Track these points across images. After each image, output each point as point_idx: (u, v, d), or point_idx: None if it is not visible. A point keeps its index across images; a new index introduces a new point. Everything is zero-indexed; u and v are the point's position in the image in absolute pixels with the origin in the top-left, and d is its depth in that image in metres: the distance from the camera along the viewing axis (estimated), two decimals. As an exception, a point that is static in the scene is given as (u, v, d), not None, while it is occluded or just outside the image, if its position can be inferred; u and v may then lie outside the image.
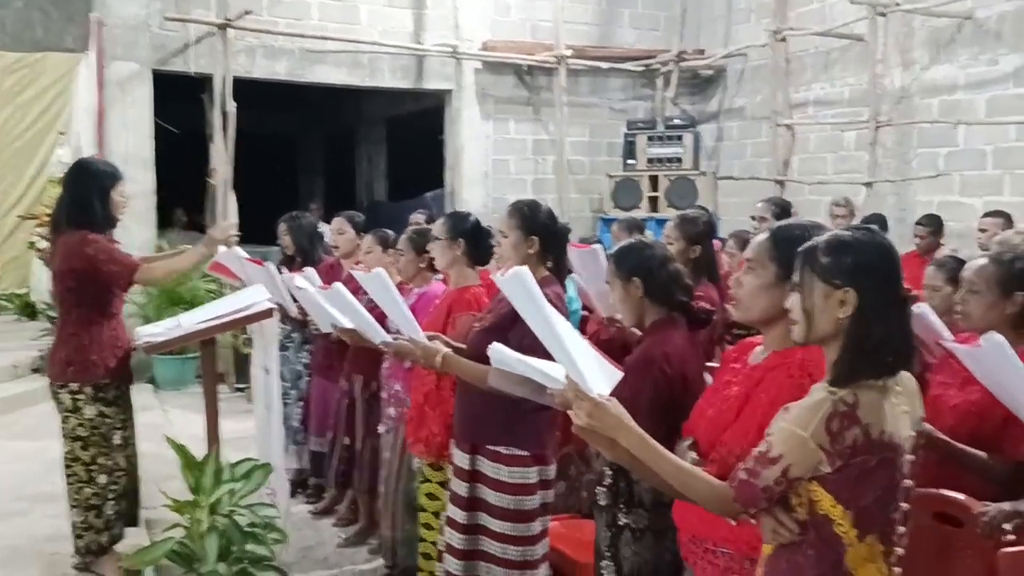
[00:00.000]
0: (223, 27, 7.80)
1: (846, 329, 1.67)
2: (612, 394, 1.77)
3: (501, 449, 2.83)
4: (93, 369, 3.46)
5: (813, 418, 1.62)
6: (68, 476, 3.53)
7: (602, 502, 2.35)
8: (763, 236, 2.01)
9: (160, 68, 7.99)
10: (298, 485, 4.88)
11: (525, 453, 2.82)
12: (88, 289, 3.46)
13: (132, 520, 4.09)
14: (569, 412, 1.78)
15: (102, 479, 3.52)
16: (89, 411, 3.44)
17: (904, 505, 1.70)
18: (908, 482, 1.70)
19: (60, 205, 3.62)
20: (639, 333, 2.62)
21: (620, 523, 2.32)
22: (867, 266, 1.68)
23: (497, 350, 1.93)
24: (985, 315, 2.59)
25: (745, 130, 9.35)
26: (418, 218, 6.80)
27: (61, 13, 9.30)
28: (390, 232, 4.26)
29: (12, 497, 4.70)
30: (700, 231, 3.82)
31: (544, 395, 2.08)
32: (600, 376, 1.74)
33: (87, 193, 3.49)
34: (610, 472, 2.30)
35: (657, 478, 1.81)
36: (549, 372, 2.01)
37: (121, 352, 3.54)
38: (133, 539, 3.92)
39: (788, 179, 8.24)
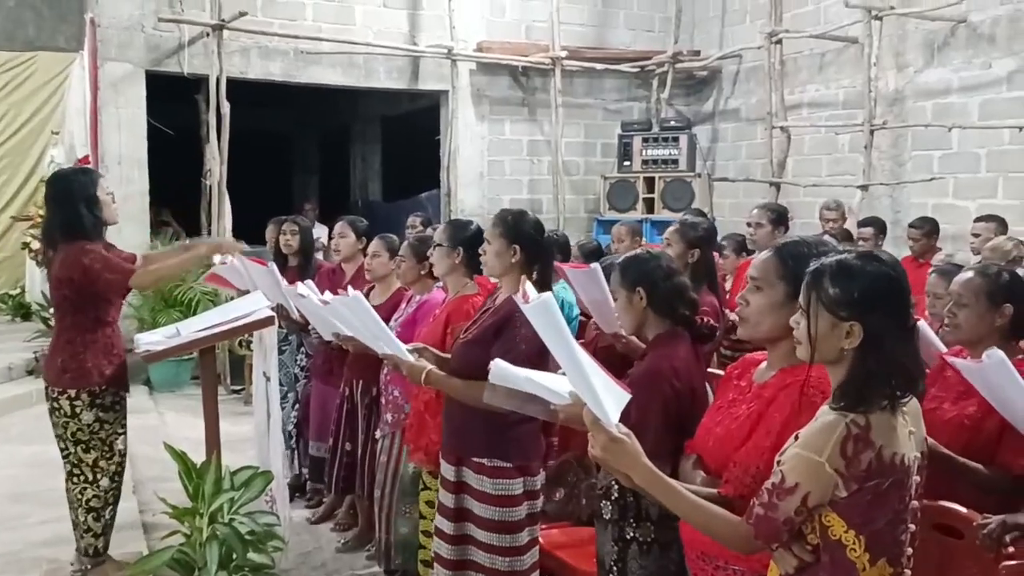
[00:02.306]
0: (218, 28, 7.77)
1: (853, 358, 1.66)
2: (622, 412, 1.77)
3: (485, 461, 2.84)
4: (88, 376, 3.47)
5: (827, 442, 1.60)
6: (73, 478, 3.55)
7: (608, 516, 2.35)
8: (768, 254, 2.01)
9: (154, 69, 7.96)
10: (295, 489, 4.87)
11: (509, 465, 2.84)
12: (84, 298, 3.47)
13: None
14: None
15: (104, 482, 3.55)
16: (87, 417, 3.46)
17: (912, 527, 1.69)
18: (916, 504, 1.70)
19: (50, 222, 3.65)
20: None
21: (627, 537, 2.32)
22: (874, 298, 1.65)
23: (500, 367, 1.93)
24: (975, 327, 2.60)
25: (740, 132, 9.36)
26: (414, 220, 6.79)
27: (53, 12, 9.25)
28: (397, 239, 4.27)
29: (9, 501, 4.69)
30: (700, 236, 3.82)
31: (544, 410, 2.08)
32: (611, 402, 1.75)
33: (73, 204, 3.51)
34: (616, 486, 2.30)
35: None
36: (553, 387, 2.01)
37: (117, 360, 3.56)
38: (131, 543, 3.93)
39: (783, 181, 8.27)
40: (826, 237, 5.40)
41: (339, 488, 4.30)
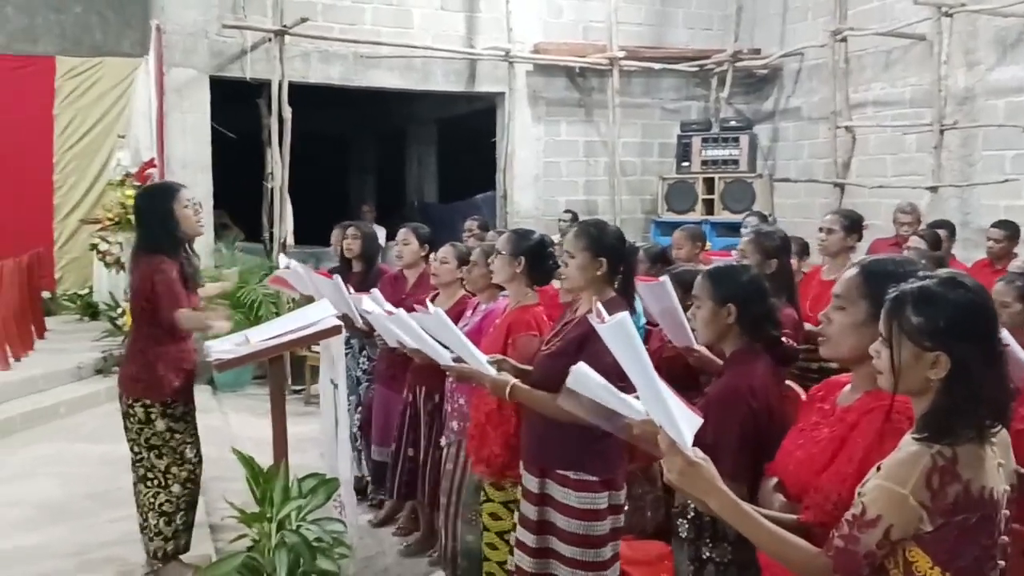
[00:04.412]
0: (279, 33, 7.88)
1: (938, 388, 1.60)
2: (697, 430, 1.74)
3: (570, 474, 2.79)
4: (159, 388, 3.57)
5: (911, 474, 1.54)
6: (146, 482, 3.62)
7: (684, 535, 2.31)
8: (853, 272, 1.95)
9: (217, 74, 8.10)
10: (356, 492, 4.90)
11: (594, 478, 2.78)
12: (161, 312, 3.55)
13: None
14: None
15: (175, 488, 3.61)
16: (160, 424, 3.54)
17: (1001, 563, 1.63)
18: (1005, 539, 1.63)
19: (136, 235, 3.79)
20: (719, 363, 2.57)
21: (703, 557, 2.27)
22: (960, 327, 1.59)
23: (580, 372, 1.89)
24: None
25: (802, 131, 9.19)
26: (472, 224, 6.81)
27: (119, 18, 9.49)
28: (465, 247, 4.27)
29: (81, 499, 4.81)
30: (777, 245, 3.73)
31: (617, 425, 2.04)
32: (685, 426, 1.71)
33: (149, 221, 3.63)
34: (693, 505, 2.25)
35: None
36: (631, 403, 1.98)
37: (186, 373, 3.63)
38: (198, 545, 3.99)
39: (847, 182, 8.10)
40: (913, 241, 5.25)
41: (401, 493, 4.32)
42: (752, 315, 2.40)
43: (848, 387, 1.98)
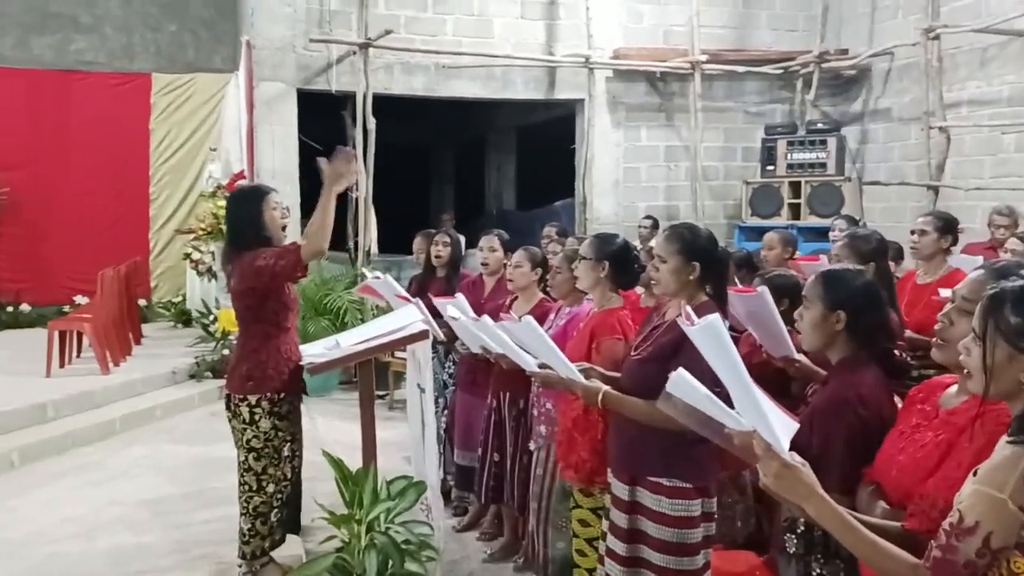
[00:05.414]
0: (364, 46, 8.04)
1: None
2: (801, 441, 1.69)
3: (663, 481, 2.74)
4: (270, 382, 3.62)
5: (1009, 477, 1.47)
6: (241, 485, 3.70)
7: (792, 550, 2.22)
8: (981, 273, 1.87)
9: (304, 87, 8.31)
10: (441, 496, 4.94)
11: (688, 485, 2.72)
12: (267, 304, 3.63)
13: (295, 526, 4.27)
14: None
15: (270, 488, 3.68)
16: (264, 424, 3.60)
17: None
18: None
19: (226, 240, 3.88)
20: (823, 374, 2.48)
21: (813, 573, 2.17)
22: None
23: (682, 378, 1.86)
24: None
25: (892, 132, 8.91)
26: (550, 230, 6.80)
27: (211, 36, 9.84)
28: (540, 251, 4.28)
29: (178, 499, 4.98)
30: (874, 248, 3.60)
31: (716, 433, 2.00)
32: (781, 430, 1.66)
33: (239, 224, 3.72)
34: (802, 519, 2.16)
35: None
36: (732, 413, 1.93)
37: (293, 366, 3.70)
38: (288, 546, 4.08)
39: (942, 184, 7.81)
40: (1011, 244, 5.02)
41: (487, 498, 4.33)
42: (863, 324, 2.27)
43: (953, 388, 1.90)
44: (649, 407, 2.64)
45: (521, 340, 3.11)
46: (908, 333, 3.37)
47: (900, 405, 2.16)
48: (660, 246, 2.81)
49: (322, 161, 3.56)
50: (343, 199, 8.69)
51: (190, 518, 4.68)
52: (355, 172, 3.70)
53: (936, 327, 1.92)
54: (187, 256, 8.53)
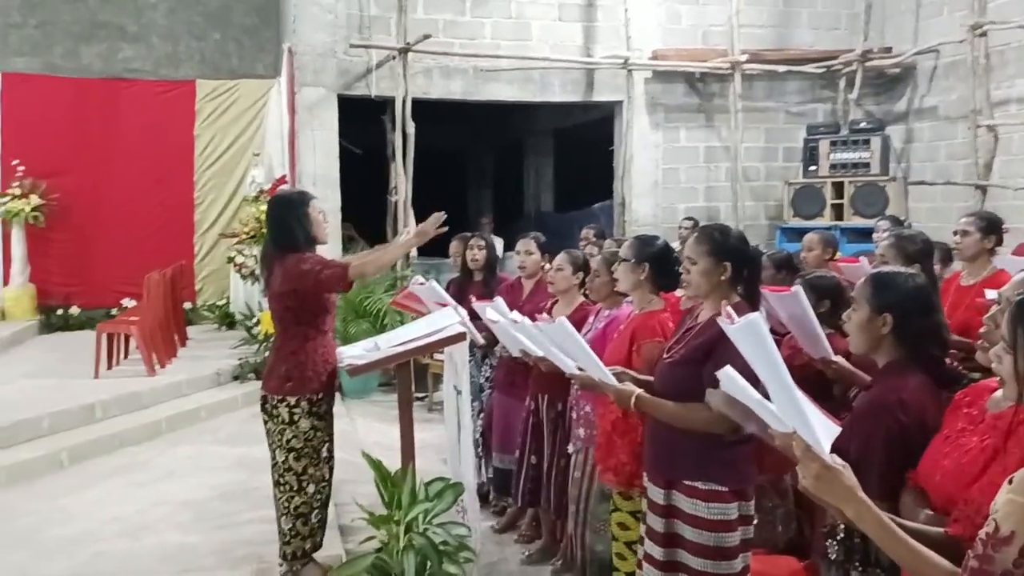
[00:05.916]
0: (403, 51, 8.10)
1: None
2: (842, 445, 1.66)
3: (699, 484, 2.71)
4: (309, 384, 3.66)
5: None
6: (281, 486, 3.73)
7: (833, 556, 2.18)
8: None
9: (344, 92, 8.39)
10: (479, 499, 4.95)
11: (724, 488, 2.70)
12: (306, 307, 3.67)
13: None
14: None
15: (311, 488, 3.71)
16: (304, 424, 3.64)
17: None
18: None
19: (267, 240, 3.90)
20: (867, 379, 2.43)
21: (854, 581, 2.14)
22: None
23: (729, 376, 1.84)
24: None
25: (938, 131, 8.75)
26: (588, 232, 6.79)
27: (253, 42, 9.98)
28: (581, 254, 4.27)
29: (221, 500, 5.05)
30: (919, 249, 3.56)
31: (761, 428, 1.98)
32: (822, 431, 1.64)
33: (286, 222, 3.72)
34: (843, 525, 2.13)
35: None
36: (778, 413, 1.91)
37: (331, 367, 3.74)
38: (329, 546, 4.11)
39: (989, 184, 7.65)
40: None
41: (525, 501, 4.33)
42: (911, 329, 2.22)
43: (999, 392, 1.86)
44: (682, 409, 2.63)
45: (555, 342, 3.11)
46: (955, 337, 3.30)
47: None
48: (690, 247, 2.80)
49: (412, 225, 3.69)
50: (383, 202, 8.78)
51: (234, 518, 4.75)
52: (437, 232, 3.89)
53: (981, 330, 1.87)
54: (231, 260, 8.65)
